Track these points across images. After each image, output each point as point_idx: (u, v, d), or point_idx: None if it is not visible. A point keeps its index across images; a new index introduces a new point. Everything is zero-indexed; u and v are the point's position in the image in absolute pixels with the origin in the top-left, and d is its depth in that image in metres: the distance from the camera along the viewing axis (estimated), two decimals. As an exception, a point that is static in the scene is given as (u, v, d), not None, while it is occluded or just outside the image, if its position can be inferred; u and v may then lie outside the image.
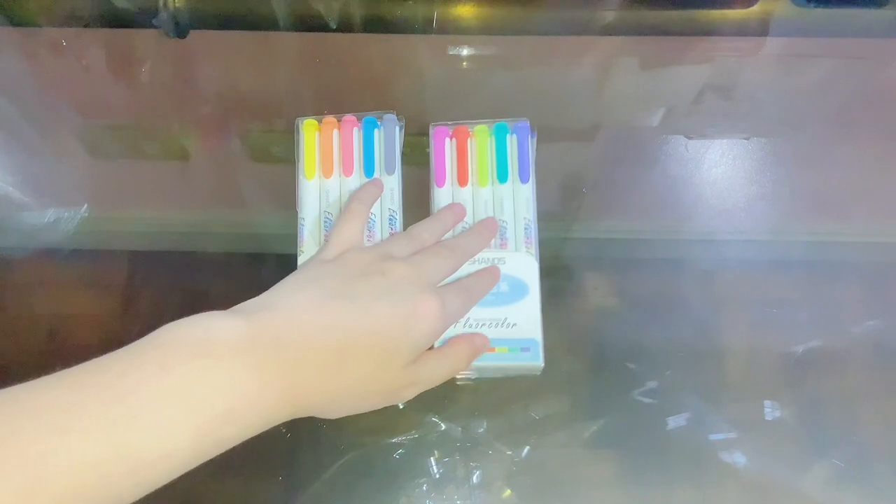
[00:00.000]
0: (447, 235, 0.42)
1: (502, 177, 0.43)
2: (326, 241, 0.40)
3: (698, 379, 0.42)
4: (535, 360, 0.39)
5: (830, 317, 0.44)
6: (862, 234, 0.47)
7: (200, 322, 0.31)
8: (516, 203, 0.43)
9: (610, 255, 0.46)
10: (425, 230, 0.41)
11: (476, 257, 0.41)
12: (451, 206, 0.43)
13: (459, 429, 0.41)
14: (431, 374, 0.37)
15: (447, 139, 0.44)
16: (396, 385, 0.36)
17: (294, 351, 0.32)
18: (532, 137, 0.44)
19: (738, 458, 0.40)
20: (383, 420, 0.41)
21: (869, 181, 0.48)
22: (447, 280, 0.39)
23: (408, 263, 0.37)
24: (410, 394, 0.37)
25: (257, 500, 0.40)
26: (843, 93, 0.51)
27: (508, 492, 0.39)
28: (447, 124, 0.44)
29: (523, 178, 0.43)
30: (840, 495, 0.39)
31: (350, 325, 0.33)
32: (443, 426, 0.41)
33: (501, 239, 0.42)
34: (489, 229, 0.42)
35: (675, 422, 0.41)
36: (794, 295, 0.44)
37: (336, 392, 0.34)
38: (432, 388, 0.41)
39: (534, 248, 0.42)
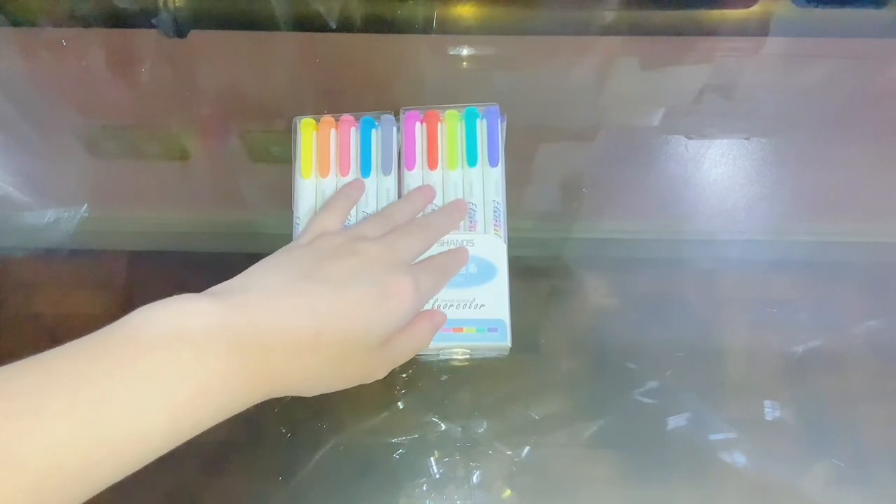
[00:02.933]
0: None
1: (472, 160, 0.43)
2: (304, 229, 0.41)
3: (698, 379, 0.42)
4: (502, 341, 0.40)
5: (830, 317, 0.44)
6: (862, 234, 0.47)
7: (173, 305, 0.31)
8: (486, 186, 0.43)
9: (610, 255, 0.46)
10: (397, 211, 0.41)
11: (445, 239, 0.41)
12: (421, 187, 0.43)
13: (459, 429, 0.41)
14: (400, 354, 0.37)
15: (417, 123, 0.44)
16: (371, 364, 0.36)
17: (266, 332, 0.32)
18: (502, 122, 0.44)
19: (738, 458, 0.40)
20: (383, 420, 0.41)
21: (869, 181, 0.48)
22: (420, 259, 0.40)
23: (380, 243, 0.37)
24: (384, 372, 0.37)
25: (257, 500, 0.40)
26: (843, 93, 0.51)
27: (508, 492, 0.39)
28: (418, 109, 0.45)
29: (493, 162, 0.43)
30: (840, 495, 0.39)
31: (323, 306, 0.33)
32: (443, 426, 0.41)
33: (471, 221, 0.42)
34: (459, 210, 0.42)
35: (675, 422, 0.41)
36: (794, 295, 0.44)
37: (311, 371, 0.34)
38: (432, 388, 0.41)
39: (502, 231, 0.42)
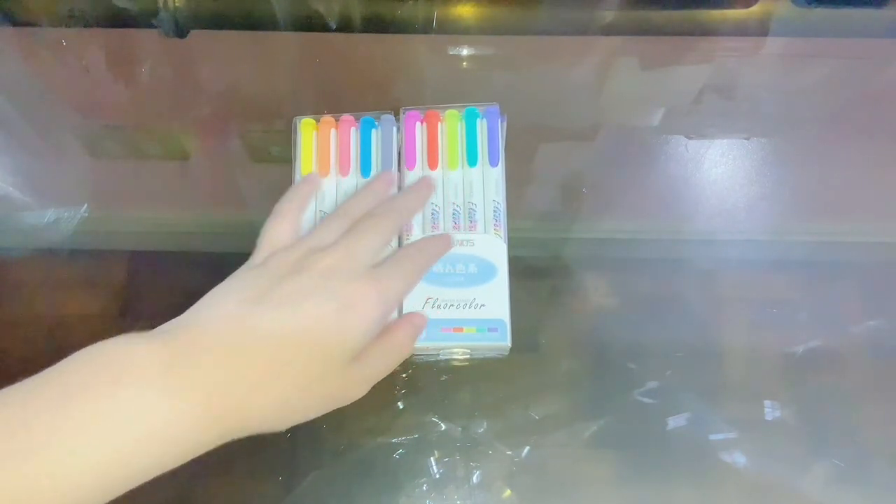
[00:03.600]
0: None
1: (472, 160, 0.43)
2: (258, 243, 0.37)
3: (698, 379, 0.42)
4: (502, 341, 0.40)
5: (830, 317, 0.44)
6: (862, 234, 0.47)
7: (114, 346, 0.29)
8: (486, 186, 0.43)
9: (610, 255, 0.46)
10: (354, 205, 0.38)
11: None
12: (381, 174, 0.42)
13: (459, 429, 0.41)
14: (378, 367, 0.35)
15: (417, 123, 0.44)
16: (346, 384, 0.34)
17: (216, 368, 0.29)
18: (502, 122, 0.44)
19: (738, 458, 0.40)
20: (383, 420, 0.41)
21: (869, 181, 0.48)
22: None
23: (336, 251, 0.34)
24: (360, 392, 0.34)
25: (257, 500, 0.40)
26: (843, 93, 0.51)
27: (508, 492, 0.39)
28: (418, 108, 0.45)
29: (493, 162, 0.43)
30: (840, 495, 0.39)
31: (277, 331, 0.31)
32: (443, 426, 0.41)
33: (471, 221, 0.42)
34: (426, 186, 0.41)
35: (675, 422, 0.41)
36: (794, 295, 0.44)
37: (274, 404, 0.31)
38: (432, 388, 0.41)
39: (502, 231, 0.42)
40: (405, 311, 0.40)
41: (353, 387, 0.34)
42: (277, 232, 0.37)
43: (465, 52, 0.52)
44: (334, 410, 0.34)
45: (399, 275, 0.36)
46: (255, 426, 0.31)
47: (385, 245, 0.37)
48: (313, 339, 0.31)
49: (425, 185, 0.41)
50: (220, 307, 0.32)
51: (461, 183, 0.43)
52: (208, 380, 0.29)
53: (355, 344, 0.33)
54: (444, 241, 0.40)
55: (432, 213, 0.42)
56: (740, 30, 0.53)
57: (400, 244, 0.42)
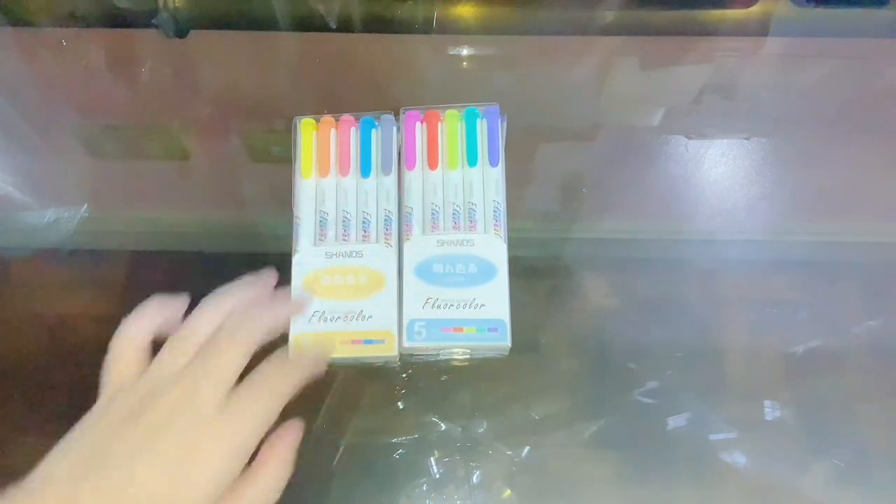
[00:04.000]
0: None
1: (472, 160, 0.43)
2: (103, 379, 0.33)
3: (698, 379, 0.42)
4: (502, 341, 0.40)
5: (830, 317, 0.44)
6: (862, 234, 0.47)
7: None
8: (486, 186, 0.43)
9: (610, 255, 0.46)
10: (203, 320, 0.34)
11: (449, 240, 0.41)
12: (242, 279, 0.36)
13: (459, 429, 0.41)
14: None
15: (418, 123, 0.44)
16: None
17: None
18: (502, 122, 0.44)
19: (738, 458, 0.40)
20: (383, 420, 0.41)
21: (869, 181, 0.48)
22: None
23: (179, 384, 0.30)
24: None
25: (257, 500, 0.40)
26: (843, 93, 0.51)
27: (508, 492, 0.39)
28: (418, 108, 0.45)
29: (493, 162, 0.43)
30: (840, 495, 0.39)
31: (114, 498, 0.28)
32: (443, 426, 0.41)
33: (471, 221, 0.42)
34: (296, 306, 0.37)
35: (675, 422, 0.41)
36: (794, 295, 0.44)
37: None
38: (432, 388, 0.41)
39: (502, 231, 0.42)
40: (405, 315, 0.40)
41: None
42: (119, 364, 0.33)
43: (465, 52, 0.52)
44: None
45: (254, 408, 0.31)
46: None
47: (237, 370, 0.32)
48: (155, 500, 0.28)
49: (296, 305, 0.38)
50: (59, 468, 0.29)
51: (461, 183, 0.43)
52: None
53: (205, 499, 0.29)
54: (308, 364, 0.34)
55: (432, 214, 0.42)
56: (740, 30, 0.53)
57: (400, 248, 0.42)
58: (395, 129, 0.44)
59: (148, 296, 0.36)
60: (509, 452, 0.40)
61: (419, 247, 0.41)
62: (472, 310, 0.40)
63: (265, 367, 0.33)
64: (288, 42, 0.53)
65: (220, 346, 0.32)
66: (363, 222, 0.42)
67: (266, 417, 0.31)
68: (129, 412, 0.30)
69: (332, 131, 0.44)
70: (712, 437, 0.40)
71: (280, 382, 0.32)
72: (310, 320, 0.39)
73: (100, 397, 0.32)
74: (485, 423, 0.41)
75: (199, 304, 0.34)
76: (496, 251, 0.41)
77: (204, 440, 0.29)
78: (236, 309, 0.34)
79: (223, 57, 0.52)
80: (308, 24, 0.52)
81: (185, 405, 0.30)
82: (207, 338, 0.33)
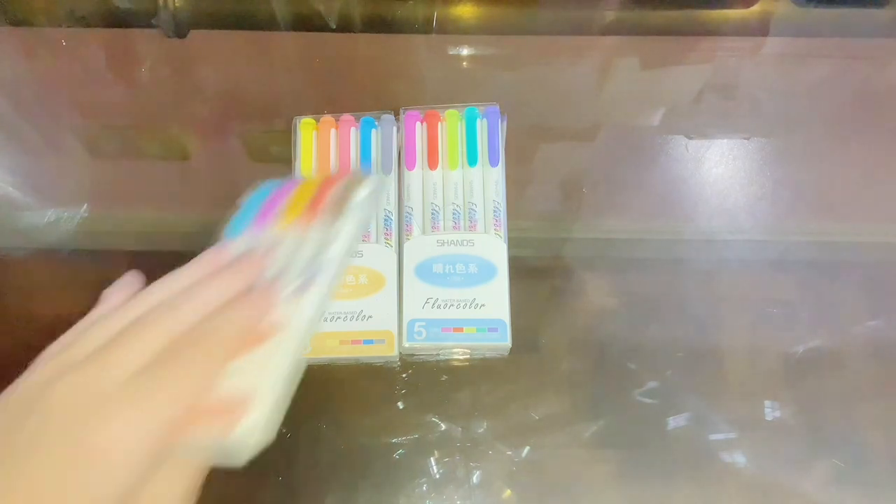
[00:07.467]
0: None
1: (472, 160, 0.43)
2: None
3: (698, 379, 0.42)
4: (502, 340, 0.40)
5: (830, 317, 0.44)
6: (862, 234, 0.47)
7: None
8: (486, 186, 0.43)
9: (610, 255, 0.46)
10: (143, 295, 0.29)
11: (450, 240, 0.41)
12: (204, 254, 0.32)
13: (459, 429, 0.41)
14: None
15: (418, 123, 0.44)
16: None
17: None
18: (502, 122, 0.44)
19: (738, 458, 0.40)
20: (383, 420, 0.41)
21: (869, 181, 0.48)
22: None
23: (81, 370, 0.25)
24: None
25: (257, 500, 0.40)
26: (843, 93, 0.51)
27: (508, 492, 0.39)
28: (418, 108, 0.45)
29: (493, 162, 0.43)
30: (840, 495, 0.39)
31: None
32: (443, 426, 0.41)
33: (471, 221, 0.42)
34: (266, 293, 0.29)
35: (675, 422, 0.41)
36: (794, 295, 0.44)
37: None
38: (432, 388, 0.41)
39: (502, 231, 0.42)
40: (405, 315, 0.40)
41: None
42: (61, 339, 0.28)
43: (465, 52, 0.52)
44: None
45: (184, 376, 0.25)
46: None
47: (149, 349, 0.25)
48: None
49: (242, 265, 0.31)
50: None
51: (461, 183, 0.43)
52: None
53: (116, 493, 0.23)
54: (256, 303, 0.28)
55: (432, 214, 0.42)
56: (740, 30, 0.53)
57: (400, 248, 0.42)
58: (395, 129, 0.44)
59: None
60: (509, 452, 0.40)
61: (419, 247, 0.41)
62: (472, 310, 0.40)
63: (190, 332, 0.27)
64: (288, 42, 0.53)
65: (136, 326, 0.26)
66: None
67: (199, 382, 0.25)
68: (31, 398, 0.25)
69: (332, 131, 0.44)
70: (712, 437, 0.40)
71: (212, 342, 0.26)
72: None
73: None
74: (485, 423, 0.41)
75: (153, 284, 0.31)
76: (496, 251, 0.41)
77: (102, 433, 0.23)
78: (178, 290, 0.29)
79: (223, 57, 0.52)
80: (308, 24, 0.52)
81: (93, 382, 0.24)
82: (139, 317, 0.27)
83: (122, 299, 0.30)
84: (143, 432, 0.24)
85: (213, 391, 0.25)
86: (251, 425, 0.26)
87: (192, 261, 0.31)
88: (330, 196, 0.32)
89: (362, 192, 0.31)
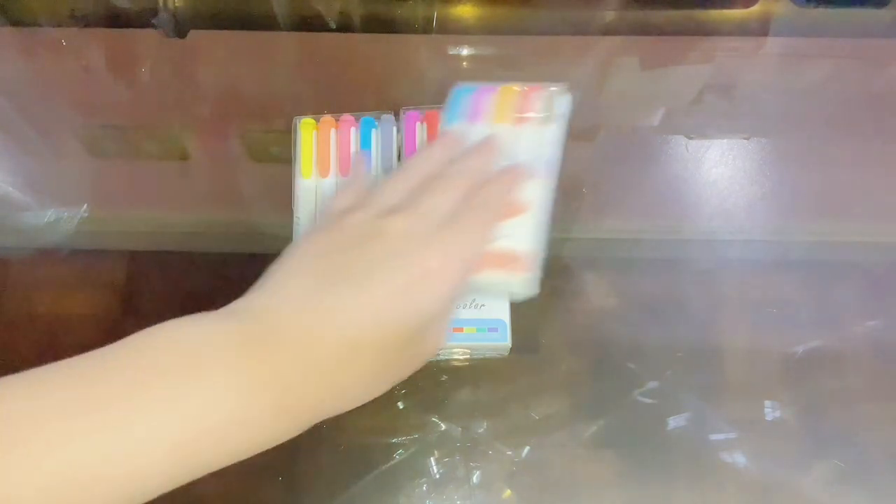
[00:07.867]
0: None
1: None
2: (324, 208, 0.37)
3: (698, 379, 0.42)
4: (502, 341, 0.40)
5: (830, 317, 0.44)
6: (862, 234, 0.47)
7: (184, 327, 0.27)
8: None
9: (610, 255, 0.46)
10: (418, 165, 0.36)
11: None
12: (443, 136, 0.38)
13: (459, 429, 0.41)
14: (436, 339, 0.33)
15: (417, 123, 0.44)
16: (412, 361, 0.32)
17: (292, 357, 0.28)
18: None
19: (738, 458, 0.40)
20: (383, 420, 0.41)
21: (869, 181, 0.48)
22: None
23: (405, 214, 0.32)
24: (440, 343, 0.33)
25: (257, 500, 0.40)
26: (843, 93, 0.51)
27: (508, 492, 0.39)
28: (418, 108, 0.45)
29: None
30: (840, 495, 0.39)
31: (352, 313, 0.29)
32: (443, 426, 0.41)
33: None
34: (489, 147, 0.37)
35: (675, 422, 0.41)
36: (794, 295, 0.44)
37: (346, 389, 0.30)
38: (432, 388, 0.41)
39: None
40: None
41: (431, 344, 0.33)
42: (346, 193, 0.36)
43: (465, 52, 0.52)
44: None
45: (476, 231, 0.33)
46: (329, 412, 0.30)
47: (455, 207, 0.33)
48: (392, 317, 0.29)
49: (488, 146, 0.38)
50: (293, 283, 0.30)
51: None
52: (287, 368, 0.28)
53: (435, 311, 0.31)
54: (512, 176, 0.36)
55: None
56: (740, 30, 0.53)
57: None
58: (394, 129, 0.44)
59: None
60: (509, 452, 0.40)
61: None
62: (472, 310, 0.40)
63: (481, 192, 0.34)
64: (288, 42, 0.53)
65: (441, 184, 0.34)
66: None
67: (486, 236, 0.34)
68: (361, 230, 0.32)
69: (332, 131, 0.44)
70: (712, 437, 0.40)
71: (491, 202, 0.35)
72: None
73: (321, 220, 0.36)
74: (485, 423, 0.41)
75: (412, 157, 0.38)
76: None
77: (439, 258, 0.31)
78: (440, 161, 0.36)
79: (223, 57, 0.52)
80: (308, 24, 0.52)
81: (413, 226, 0.32)
82: (422, 179, 0.35)
83: (365, 171, 0.40)
84: (459, 262, 0.32)
85: (491, 246, 0.34)
86: (531, 277, 0.36)
87: (435, 141, 0.39)
88: (536, 105, 0.39)
89: (563, 106, 0.39)
